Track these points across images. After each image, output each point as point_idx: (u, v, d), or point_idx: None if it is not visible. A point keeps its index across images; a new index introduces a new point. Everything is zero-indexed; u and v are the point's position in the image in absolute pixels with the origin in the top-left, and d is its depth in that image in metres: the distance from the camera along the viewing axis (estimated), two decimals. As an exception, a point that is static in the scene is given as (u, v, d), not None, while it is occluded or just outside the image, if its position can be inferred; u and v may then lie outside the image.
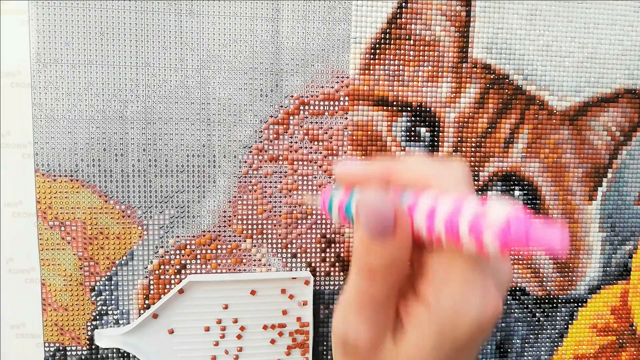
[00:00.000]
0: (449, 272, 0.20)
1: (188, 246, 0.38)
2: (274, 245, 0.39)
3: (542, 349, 0.43)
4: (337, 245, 0.40)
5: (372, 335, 0.21)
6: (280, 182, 0.39)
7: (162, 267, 0.38)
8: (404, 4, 0.38)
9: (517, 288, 0.42)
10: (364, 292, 0.21)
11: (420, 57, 0.39)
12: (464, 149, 0.40)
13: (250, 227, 0.39)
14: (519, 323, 0.42)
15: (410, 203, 0.20)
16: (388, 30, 0.38)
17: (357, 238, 0.21)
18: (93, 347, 0.38)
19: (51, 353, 0.38)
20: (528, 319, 0.43)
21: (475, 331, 0.20)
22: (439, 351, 0.20)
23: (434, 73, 0.39)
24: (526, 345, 0.43)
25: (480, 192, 0.40)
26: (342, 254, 0.40)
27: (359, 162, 0.24)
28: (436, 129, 0.39)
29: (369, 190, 0.21)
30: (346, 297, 0.22)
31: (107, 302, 0.38)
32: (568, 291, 0.43)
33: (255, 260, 0.39)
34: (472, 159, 0.40)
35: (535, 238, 0.17)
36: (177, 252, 0.38)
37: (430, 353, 0.20)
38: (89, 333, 0.38)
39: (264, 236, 0.39)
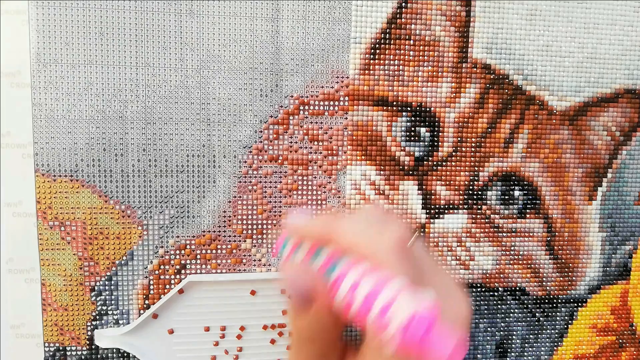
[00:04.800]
0: (369, 350, 0.21)
1: (188, 246, 0.38)
2: (274, 245, 0.39)
3: (542, 349, 0.43)
4: (337, 245, 0.40)
5: None
6: (280, 182, 0.39)
7: (162, 267, 0.38)
8: (404, 4, 0.38)
9: (517, 288, 0.42)
10: (295, 356, 0.22)
11: (420, 57, 0.39)
12: (464, 149, 0.40)
13: (250, 227, 0.39)
14: (519, 323, 0.43)
15: (340, 274, 0.21)
16: (388, 30, 0.38)
17: (288, 305, 0.23)
18: (93, 347, 0.38)
19: (51, 353, 0.38)
20: (528, 319, 0.43)
21: None
22: None
23: (434, 73, 0.39)
24: (526, 345, 0.43)
25: (479, 193, 0.40)
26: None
27: (306, 215, 0.25)
28: (436, 129, 0.39)
29: (292, 263, 0.22)
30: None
31: (107, 302, 0.38)
32: (568, 291, 0.43)
33: (255, 260, 0.39)
34: (472, 159, 0.40)
35: (430, 345, 0.17)
36: (177, 252, 0.38)
37: None
38: (89, 333, 0.38)
39: (264, 236, 0.39)
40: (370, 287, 0.19)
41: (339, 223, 0.23)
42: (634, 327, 0.44)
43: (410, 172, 0.39)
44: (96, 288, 0.38)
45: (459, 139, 0.40)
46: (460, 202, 0.40)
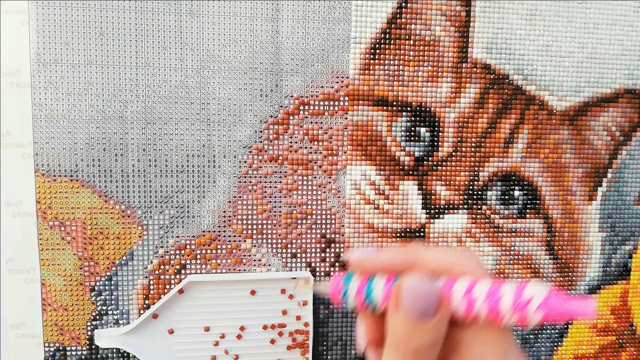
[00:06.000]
0: (487, 346, 0.22)
1: (188, 246, 0.38)
2: (274, 245, 0.39)
3: (542, 349, 0.43)
4: (337, 245, 0.40)
5: None
6: (280, 182, 0.39)
7: (162, 267, 0.38)
8: (404, 4, 0.38)
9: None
10: None
11: (420, 57, 0.39)
12: (464, 149, 0.40)
13: (250, 227, 0.39)
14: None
15: (444, 285, 0.23)
16: (388, 30, 0.38)
17: (399, 322, 0.22)
18: (93, 347, 0.38)
19: (51, 353, 0.38)
20: (528, 319, 0.43)
21: None
22: None
23: (434, 73, 0.39)
24: (526, 345, 0.43)
25: (479, 193, 0.40)
26: (341, 254, 0.40)
27: (375, 251, 0.26)
28: (436, 129, 0.39)
29: (412, 275, 0.22)
30: None
31: (107, 302, 0.38)
32: (568, 291, 0.43)
33: (255, 260, 0.39)
34: (472, 159, 0.40)
35: (570, 309, 0.21)
36: (177, 252, 0.38)
37: None
38: (89, 333, 0.38)
39: (264, 236, 0.39)
40: (488, 288, 0.22)
41: (420, 252, 0.24)
42: (634, 327, 0.44)
43: (410, 172, 0.39)
44: (96, 288, 0.38)
45: (459, 139, 0.40)
46: (460, 202, 0.40)
